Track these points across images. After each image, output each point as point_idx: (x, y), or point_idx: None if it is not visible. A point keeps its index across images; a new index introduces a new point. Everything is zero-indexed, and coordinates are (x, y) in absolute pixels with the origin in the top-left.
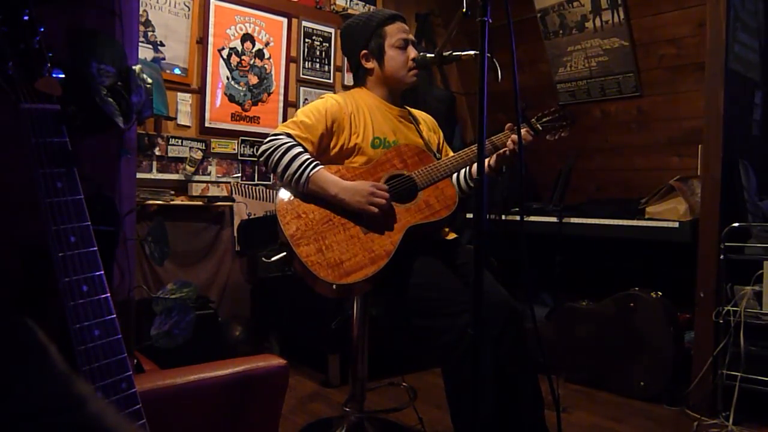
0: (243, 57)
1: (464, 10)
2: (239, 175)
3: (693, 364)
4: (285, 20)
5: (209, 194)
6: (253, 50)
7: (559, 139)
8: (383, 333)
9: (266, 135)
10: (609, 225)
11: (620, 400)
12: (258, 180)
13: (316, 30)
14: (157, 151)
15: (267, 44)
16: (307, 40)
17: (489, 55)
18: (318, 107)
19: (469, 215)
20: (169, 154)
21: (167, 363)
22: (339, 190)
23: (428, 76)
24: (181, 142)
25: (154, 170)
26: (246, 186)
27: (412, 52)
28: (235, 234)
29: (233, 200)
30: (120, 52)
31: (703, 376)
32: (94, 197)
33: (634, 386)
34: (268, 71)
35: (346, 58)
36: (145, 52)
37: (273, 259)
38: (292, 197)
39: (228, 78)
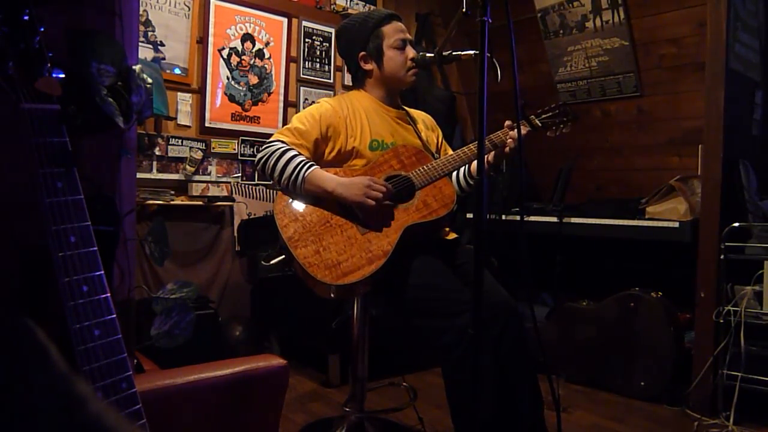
0: (243, 57)
1: (464, 10)
2: (239, 175)
3: (693, 364)
4: (285, 20)
5: (209, 194)
6: (254, 50)
7: (561, 135)
8: (383, 333)
9: (266, 135)
10: (609, 225)
11: (620, 400)
12: (258, 180)
13: (316, 30)
14: (157, 151)
15: (267, 44)
16: (307, 40)
17: (489, 55)
18: (312, 113)
19: (469, 215)
20: (169, 154)
21: (167, 363)
22: (335, 185)
23: (428, 76)
24: (181, 142)
25: (154, 170)
26: (246, 186)
27: (410, 52)
28: (235, 234)
29: (233, 200)
30: (120, 52)
31: (703, 376)
32: (94, 197)
33: (634, 386)
34: (268, 71)
35: (343, 60)
36: (145, 52)
37: (272, 262)
38: (290, 200)
39: (228, 78)
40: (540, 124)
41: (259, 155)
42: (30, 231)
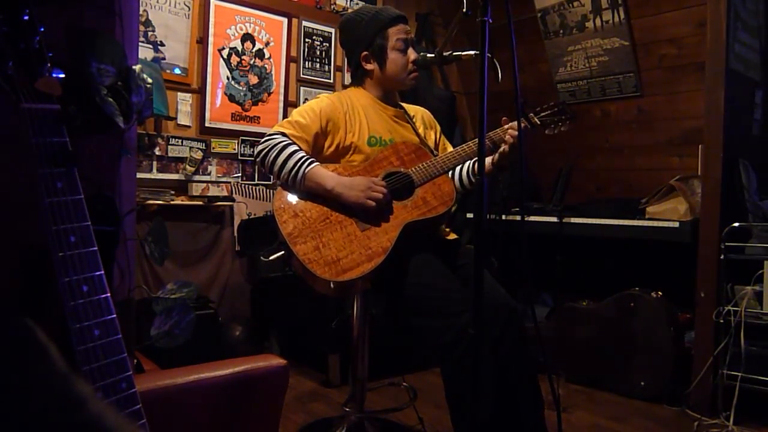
0: (243, 57)
1: (464, 10)
2: (239, 175)
3: (693, 364)
4: (285, 20)
5: (209, 194)
6: (254, 50)
7: (559, 133)
8: (383, 333)
9: (265, 134)
10: (609, 225)
11: (620, 400)
12: (258, 180)
13: (316, 30)
14: (157, 151)
15: (267, 44)
16: (307, 40)
17: (489, 55)
18: (312, 107)
19: (469, 215)
20: (169, 154)
21: (167, 363)
22: (335, 184)
23: (428, 76)
24: (181, 142)
25: (154, 170)
26: (246, 186)
27: (412, 55)
28: (235, 234)
29: (233, 200)
30: (120, 52)
31: (703, 376)
32: (94, 197)
33: (634, 386)
34: (268, 71)
35: (344, 52)
36: (145, 52)
37: (271, 257)
38: (290, 196)
39: (228, 78)
40: (539, 122)
41: (260, 147)
42: (30, 231)
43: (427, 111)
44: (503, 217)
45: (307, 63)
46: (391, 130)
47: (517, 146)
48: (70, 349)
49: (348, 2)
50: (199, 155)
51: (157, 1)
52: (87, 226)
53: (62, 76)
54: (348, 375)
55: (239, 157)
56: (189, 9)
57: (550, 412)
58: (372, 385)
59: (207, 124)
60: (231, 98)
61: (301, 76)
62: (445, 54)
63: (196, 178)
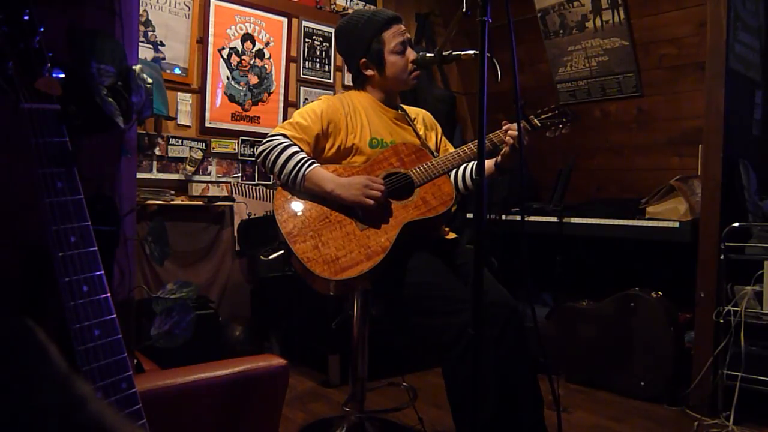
0: (243, 57)
1: (464, 10)
2: (239, 175)
3: (693, 364)
4: (285, 20)
5: (209, 194)
6: (254, 50)
7: (560, 135)
8: (383, 333)
9: (266, 135)
10: (609, 225)
11: (620, 400)
12: (258, 180)
13: (317, 30)
14: (157, 151)
15: (267, 44)
16: (307, 40)
17: (489, 55)
18: (314, 108)
19: (469, 215)
20: (169, 154)
21: (167, 363)
22: (334, 186)
23: (428, 76)
24: (181, 142)
25: (154, 170)
26: (246, 186)
27: (411, 55)
28: (235, 234)
29: (233, 200)
30: (120, 52)
31: (703, 376)
32: (94, 197)
33: (634, 386)
34: (268, 71)
35: (342, 59)
36: (145, 52)
37: (271, 256)
38: (290, 195)
39: (228, 78)
40: (539, 124)
41: (261, 148)
42: (30, 231)
43: (427, 113)
44: (503, 217)
45: (307, 63)
46: (392, 132)
47: (518, 148)
48: (70, 349)
49: (348, 2)
50: (199, 155)
51: (157, 1)
52: (87, 226)
53: (62, 76)
54: (348, 375)
55: (239, 157)
56: (189, 9)
57: (550, 412)
58: (372, 385)
59: (207, 124)
60: (231, 98)
61: (301, 76)
62: (444, 54)
63: (196, 178)
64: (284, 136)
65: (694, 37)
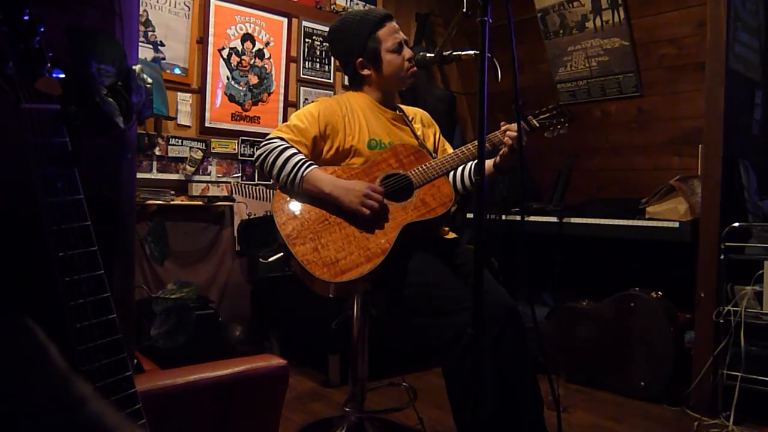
0: (243, 57)
1: (464, 10)
2: (239, 175)
3: (693, 364)
4: (285, 20)
5: (209, 194)
6: (254, 50)
7: (558, 136)
8: (383, 333)
9: (266, 135)
10: (609, 225)
11: (620, 400)
12: (258, 180)
13: (317, 30)
14: (157, 151)
15: (267, 44)
16: (307, 40)
17: (489, 55)
18: (311, 111)
19: (469, 215)
20: (169, 154)
21: (167, 363)
22: (333, 187)
23: (428, 76)
24: (181, 142)
25: (154, 170)
26: (246, 186)
27: (407, 53)
28: (235, 234)
29: (233, 200)
30: (120, 52)
31: (703, 376)
32: (94, 197)
33: (634, 386)
34: (268, 71)
35: (338, 61)
36: (145, 52)
37: (270, 259)
38: (289, 198)
39: (228, 78)
40: (537, 125)
41: (258, 152)
42: (30, 231)
43: (425, 112)
44: (503, 217)
45: (307, 63)
46: (391, 132)
47: (517, 149)
48: (70, 349)
49: (348, 2)
50: (199, 155)
51: (157, 1)
52: (87, 226)
53: (62, 76)
54: (348, 375)
55: (239, 157)
56: (189, 9)
57: (550, 412)
58: (372, 385)
59: (207, 124)
60: (231, 98)
61: (301, 76)
62: (444, 54)
63: (196, 178)
64: (282, 139)
65: (694, 37)
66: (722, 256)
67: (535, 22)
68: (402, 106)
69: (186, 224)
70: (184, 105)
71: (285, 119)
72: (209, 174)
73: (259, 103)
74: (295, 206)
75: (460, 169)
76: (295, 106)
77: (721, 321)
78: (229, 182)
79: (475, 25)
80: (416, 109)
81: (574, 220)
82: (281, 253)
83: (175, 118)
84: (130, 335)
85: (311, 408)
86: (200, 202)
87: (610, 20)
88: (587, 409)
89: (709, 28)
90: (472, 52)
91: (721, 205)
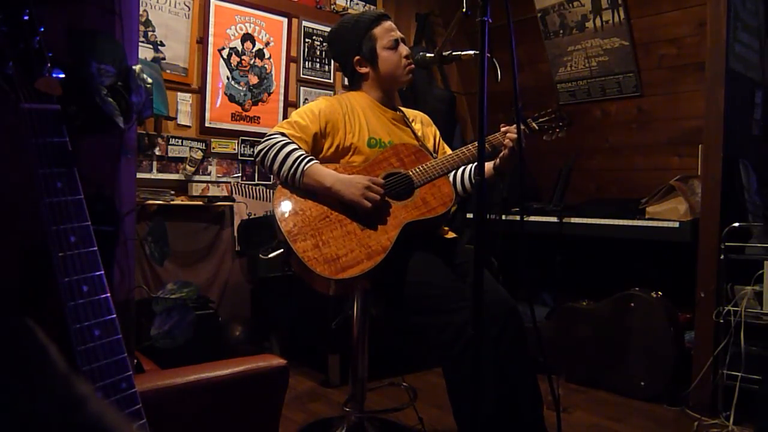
0: (243, 57)
1: (464, 10)
2: (239, 175)
3: (693, 364)
4: (285, 20)
5: (209, 194)
6: (254, 50)
7: (556, 139)
8: (383, 333)
9: (265, 134)
10: (609, 225)
11: (620, 400)
12: (258, 180)
13: (317, 30)
14: (157, 151)
15: (267, 44)
16: (307, 40)
17: (489, 55)
18: (312, 108)
19: (469, 215)
20: (169, 154)
21: (167, 363)
22: (334, 181)
23: (428, 76)
24: (181, 142)
25: (154, 170)
26: (246, 186)
27: (404, 50)
28: (236, 234)
29: (233, 200)
30: (120, 52)
31: (703, 376)
32: (94, 197)
33: (634, 386)
34: (268, 71)
35: (338, 64)
36: (145, 52)
37: (270, 255)
38: (289, 194)
39: (228, 78)
40: (536, 127)
41: (259, 147)
42: (30, 231)
43: (425, 115)
44: (503, 217)
45: (307, 63)
46: (390, 132)
47: (517, 151)
48: (70, 349)
49: (348, 2)
50: (199, 155)
51: (157, 1)
52: (87, 226)
53: (62, 76)
54: (348, 375)
55: (239, 157)
56: (189, 9)
57: (549, 412)
58: (372, 385)
59: (207, 124)
60: (231, 98)
61: (301, 76)
62: (444, 54)
63: (196, 178)
64: (283, 134)
65: (694, 37)
66: (722, 256)
67: (535, 22)
68: (402, 108)
69: (186, 224)
70: (184, 105)
71: (285, 119)
72: (209, 174)
73: (259, 103)
74: (296, 202)
75: (460, 171)
76: (295, 106)
77: (721, 321)
78: (229, 182)
79: (474, 25)
80: (416, 111)
81: (574, 220)
82: (281, 250)
83: (175, 118)
84: (130, 335)
85: (311, 408)
86: (200, 202)
87: (610, 20)
88: (587, 409)
89: (709, 28)
90: (472, 52)
91: (721, 205)
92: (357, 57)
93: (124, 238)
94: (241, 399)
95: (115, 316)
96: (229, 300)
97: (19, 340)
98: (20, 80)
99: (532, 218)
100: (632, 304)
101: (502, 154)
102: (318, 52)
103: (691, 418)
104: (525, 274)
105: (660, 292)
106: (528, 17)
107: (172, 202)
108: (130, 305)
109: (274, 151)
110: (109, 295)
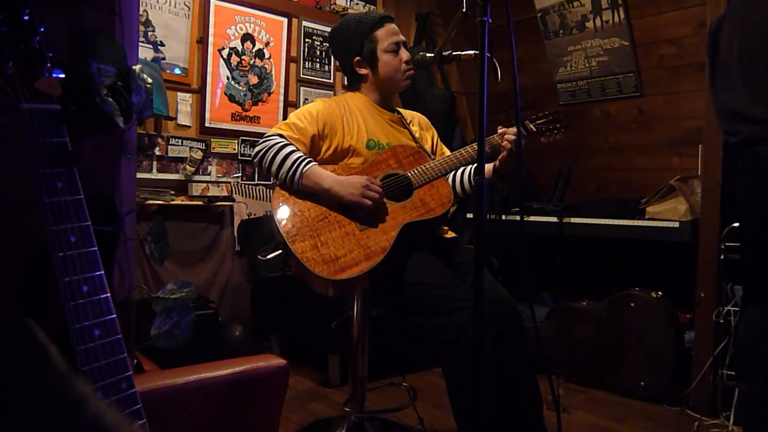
0: (243, 57)
1: (464, 10)
2: (239, 175)
3: (693, 364)
4: (285, 20)
5: (209, 194)
6: (254, 50)
7: (554, 141)
8: (383, 333)
9: (263, 135)
10: (609, 225)
11: (620, 400)
12: (258, 180)
13: (316, 30)
14: (157, 151)
15: (267, 44)
16: (307, 40)
17: (489, 55)
18: (310, 110)
19: (469, 215)
20: (169, 154)
21: (167, 363)
22: (332, 183)
23: (428, 76)
24: (181, 142)
25: (154, 170)
26: (246, 186)
27: (404, 55)
28: (235, 234)
29: (233, 200)
30: (120, 52)
31: (703, 376)
32: (94, 197)
33: (634, 386)
34: (268, 71)
35: (338, 62)
36: (145, 52)
37: (269, 256)
38: (288, 195)
39: (228, 78)
40: (534, 129)
41: (257, 148)
42: (30, 231)
43: (422, 116)
44: (503, 217)
45: (307, 63)
46: (388, 133)
47: (515, 153)
48: (70, 349)
49: (348, 2)
50: (199, 155)
51: (157, 1)
52: (87, 226)
53: (62, 76)
54: (348, 375)
55: (239, 157)
56: (189, 9)
57: (549, 412)
58: (372, 385)
59: (207, 124)
60: (231, 98)
61: (301, 76)
62: (444, 54)
63: (196, 178)
64: (281, 136)
65: (694, 37)
66: (722, 256)
67: (535, 22)
68: (400, 110)
69: (186, 224)
70: (184, 105)
71: (285, 119)
72: (209, 174)
73: (259, 103)
74: (295, 204)
75: (459, 172)
76: (295, 106)
77: (721, 321)
78: (229, 182)
79: (474, 25)
80: (414, 112)
81: (574, 220)
82: (280, 251)
83: (175, 118)
84: (130, 335)
85: (311, 408)
86: (200, 202)
87: (610, 20)
88: (587, 409)
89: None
90: (471, 52)
91: (721, 205)
92: (357, 58)
93: (124, 238)
94: (241, 399)
95: (115, 316)
96: (229, 300)
97: (19, 340)
98: (20, 80)
99: (532, 218)
100: (632, 304)
101: (501, 156)
102: (318, 52)
103: (691, 418)
104: (525, 274)
105: (660, 292)
106: (528, 17)
107: (172, 202)
108: (130, 305)
109: (272, 153)
110: (109, 295)
